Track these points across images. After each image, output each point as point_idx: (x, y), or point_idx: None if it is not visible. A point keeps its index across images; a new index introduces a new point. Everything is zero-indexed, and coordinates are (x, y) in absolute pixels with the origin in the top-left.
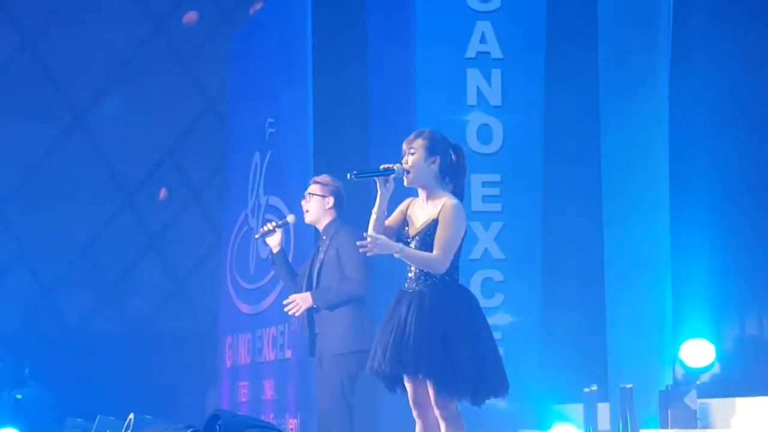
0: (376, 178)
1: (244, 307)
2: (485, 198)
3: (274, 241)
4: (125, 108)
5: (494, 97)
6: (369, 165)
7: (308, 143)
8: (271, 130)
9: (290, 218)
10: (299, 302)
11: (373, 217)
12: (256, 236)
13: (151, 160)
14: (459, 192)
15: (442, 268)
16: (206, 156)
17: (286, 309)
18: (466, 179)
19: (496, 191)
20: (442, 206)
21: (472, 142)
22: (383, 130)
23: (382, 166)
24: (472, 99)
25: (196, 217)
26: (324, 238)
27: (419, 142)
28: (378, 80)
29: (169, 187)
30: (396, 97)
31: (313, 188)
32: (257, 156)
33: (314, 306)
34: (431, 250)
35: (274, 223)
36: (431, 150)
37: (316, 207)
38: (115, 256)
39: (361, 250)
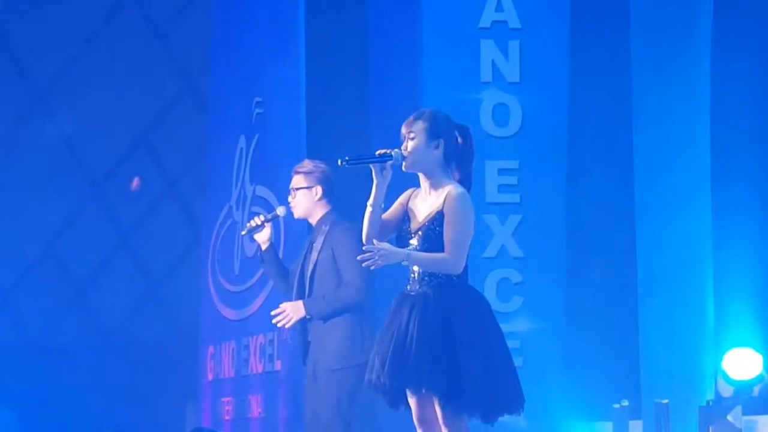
0: (371, 166)
1: (228, 312)
2: (502, 188)
3: (263, 237)
4: (92, 87)
5: (512, 73)
6: (369, 149)
7: (301, 125)
8: (258, 110)
9: (280, 210)
10: (290, 313)
11: (369, 210)
12: (243, 232)
13: (122, 146)
14: (466, 180)
15: (458, 269)
16: (184, 141)
17: (274, 321)
18: (474, 165)
19: (513, 180)
20: (446, 197)
21: (487, 124)
22: (385, 111)
23: (378, 152)
24: (486, 75)
25: (173, 211)
26: (317, 234)
27: (420, 125)
28: (380, 53)
29: (143, 177)
30: (400, 72)
31: (297, 181)
32: (243, 140)
33: (307, 317)
34: (436, 247)
35: (262, 217)
36: (433, 133)
37: (304, 201)
38: (82, 256)
39: (364, 264)
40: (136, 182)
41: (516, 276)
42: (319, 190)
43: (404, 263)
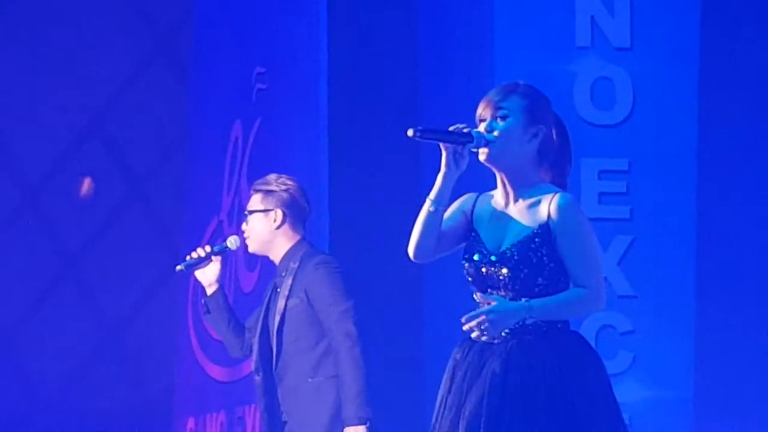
0: (443, 146)
1: (216, 371)
2: (604, 197)
3: (209, 277)
4: (23, 52)
5: (619, 35)
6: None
7: (321, 104)
8: (260, 85)
9: (232, 242)
10: None
11: (428, 208)
12: (179, 267)
13: (67, 135)
14: (562, 187)
15: (602, 304)
16: (155, 128)
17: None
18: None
19: (621, 186)
20: (552, 204)
21: (584, 108)
22: (440, 86)
23: (453, 127)
24: (583, 37)
25: (140, 226)
26: (283, 275)
27: (516, 101)
28: (432, 6)
29: (96, 178)
30: (462, 34)
31: (253, 201)
32: (238, 127)
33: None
34: (535, 277)
35: (208, 248)
36: (534, 115)
37: (259, 229)
38: (10, 287)
39: (474, 335)
40: (86, 185)
41: (624, 323)
42: (277, 215)
43: (528, 321)
